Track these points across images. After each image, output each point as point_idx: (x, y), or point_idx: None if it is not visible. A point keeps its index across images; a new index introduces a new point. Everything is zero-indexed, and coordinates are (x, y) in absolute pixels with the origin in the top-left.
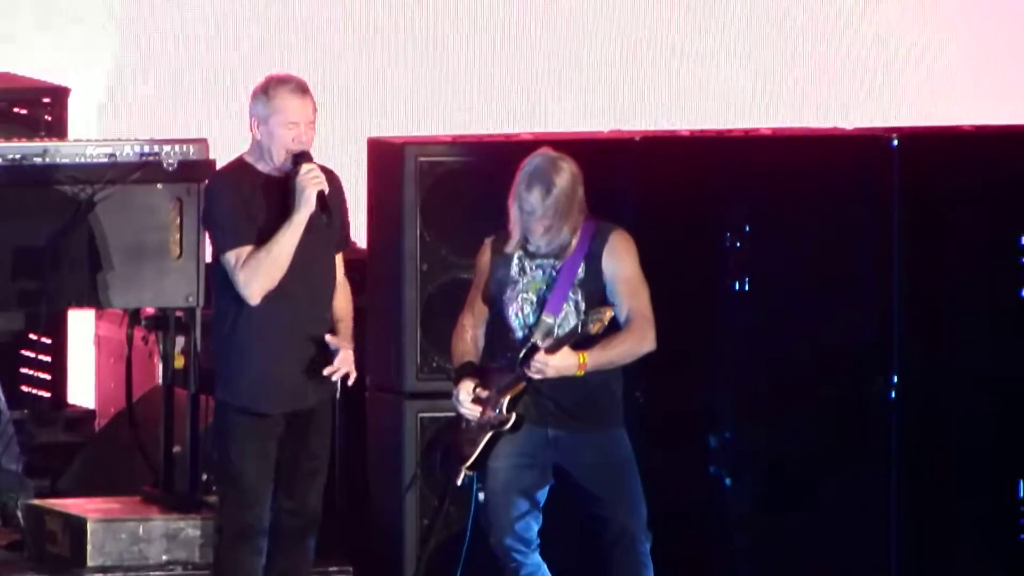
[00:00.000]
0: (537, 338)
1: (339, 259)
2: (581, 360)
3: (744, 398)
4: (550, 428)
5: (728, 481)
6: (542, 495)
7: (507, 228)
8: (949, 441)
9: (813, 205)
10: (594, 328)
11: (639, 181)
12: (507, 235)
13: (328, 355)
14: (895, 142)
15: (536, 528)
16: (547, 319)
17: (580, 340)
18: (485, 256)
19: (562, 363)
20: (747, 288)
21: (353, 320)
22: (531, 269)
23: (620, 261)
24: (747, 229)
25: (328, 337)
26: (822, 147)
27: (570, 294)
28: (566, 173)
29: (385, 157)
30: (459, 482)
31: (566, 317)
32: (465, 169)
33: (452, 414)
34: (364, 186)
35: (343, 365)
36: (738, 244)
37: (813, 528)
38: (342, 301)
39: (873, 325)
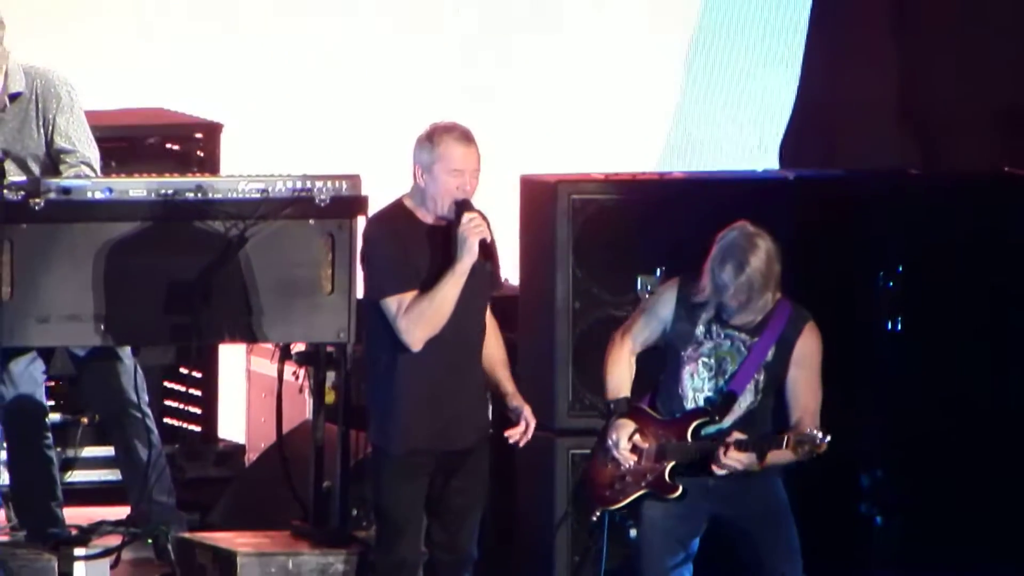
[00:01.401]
0: (719, 416)
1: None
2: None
3: (896, 436)
4: (710, 478)
5: (879, 520)
6: (695, 544)
7: (698, 280)
8: None
9: (965, 244)
10: (795, 452)
11: (793, 219)
12: (699, 287)
13: (486, 397)
14: None
15: None
16: (731, 396)
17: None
18: (670, 295)
19: (747, 461)
20: (899, 328)
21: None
22: (719, 336)
23: (810, 357)
24: (900, 269)
25: (518, 409)
26: (980, 189)
27: (754, 374)
28: (762, 252)
29: (538, 195)
30: (594, 519)
31: (744, 395)
32: (618, 207)
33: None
34: (516, 224)
35: (526, 435)
36: (891, 284)
37: (963, 571)
38: (497, 346)
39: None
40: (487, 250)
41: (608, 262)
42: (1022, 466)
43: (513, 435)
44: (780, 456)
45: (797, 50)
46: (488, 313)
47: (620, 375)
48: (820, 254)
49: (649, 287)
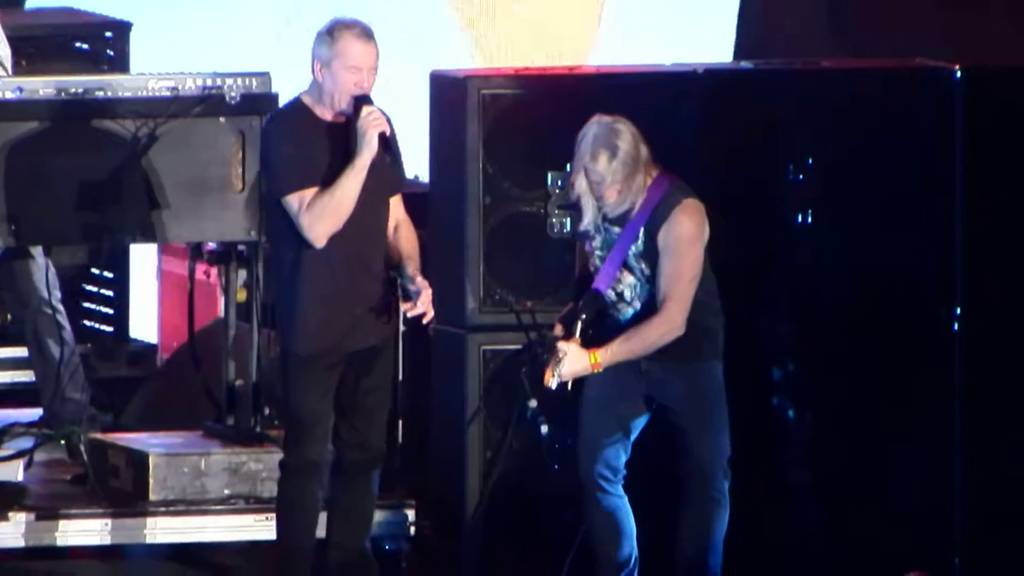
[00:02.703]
0: (587, 315)
1: (398, 199)
2: (594, 360)
3: (807, 330)
4: (643, 360)
5: (791, 414)
6: (635, 426)
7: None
8: (1013, 373)
9: (876, 137)
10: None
11: (702, 115)
12: (570, 187)
13: (391, 293)
14: (958, 74)
15: (624, 458)
16: (593, 295)
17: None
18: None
19: (576, 367)
20: (810, 221)
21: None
22: (602, 230)
23: (674, 242)
24: (810, 162)
25: (410, 282)
26: (886, 79)
27: (635, 264)
28: (627, 134)
29: (448, 91)
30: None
31: (635, 287)
32: (528, 102)
33: (515, 347)
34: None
35: (425, 306)
36: (801, 177)
37: (875, 462)
38: (408, 239)
39: (936, 257)
40: (387, 143)
41: (519, 157)
42: (933, 358)
43: (408, 308)
44: (621, 351)
45: None
46: (401, 208)
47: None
48: (729, 148)
49: (560, 182)
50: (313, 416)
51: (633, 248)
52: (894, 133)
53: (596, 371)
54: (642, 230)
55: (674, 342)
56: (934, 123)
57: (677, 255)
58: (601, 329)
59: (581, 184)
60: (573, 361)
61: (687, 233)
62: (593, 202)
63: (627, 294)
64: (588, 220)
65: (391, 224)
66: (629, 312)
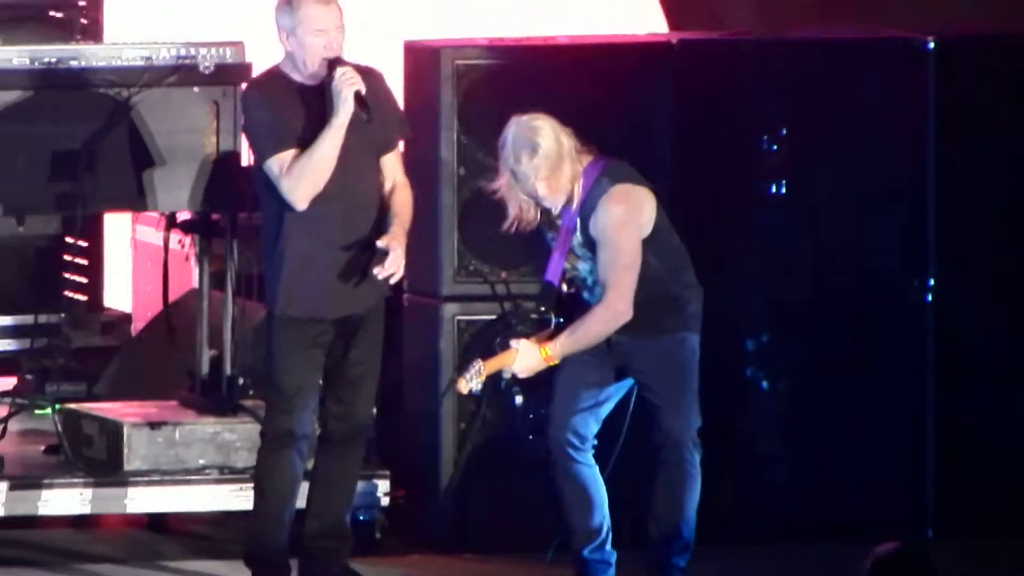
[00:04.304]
0: (545, 307)
1: (397, 158)
2: (544, 354)
3: (780, 302)
4: (612, 334)
5: (764, 385)
6: (606, 396)
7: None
8: (984, 345)
9: (849, 108)
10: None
11: (675, 84)
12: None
13: (379, 258)
14: (931, 44)
15: (595, 428)
16: (547, 286)
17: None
18: None
19: (528, 362)
20: (783, 191)
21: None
22: (550, 225)
23: (603, 232)
24: (783, 132)
25: (379, 241)
26: (858, 50)
27: (581, 252)
28: (546, 129)
29: (421, 61)
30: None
31: (591, 271)
32: (502, 72)
33: (489, 317)
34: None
35: (392, 266)
36: (774, 147)
37: (847, 432)
38: (401, 199)
39: (908, 228)
40: (362, 101)
41: (493, 127)
42: (905, 329)
43: (378, 270)
44: (569, 344)
45: None
46: (398, 169)
47: None
48: (703, 118)
49: None
50: (294, 384)
51: (574, 238)
52: (867, 103)
53: (551, 364)
54: (578, 220)
55: (639, 317)
56: (907, 93)
57: (609, 244)
58: (578, 312)
59: (503, 184)
60: (525, 357)
61: (614, 221)
62: (522, 201)
63: (588, 279)
64: (511, 219)
65: (387, 185)
66: (598, 291)
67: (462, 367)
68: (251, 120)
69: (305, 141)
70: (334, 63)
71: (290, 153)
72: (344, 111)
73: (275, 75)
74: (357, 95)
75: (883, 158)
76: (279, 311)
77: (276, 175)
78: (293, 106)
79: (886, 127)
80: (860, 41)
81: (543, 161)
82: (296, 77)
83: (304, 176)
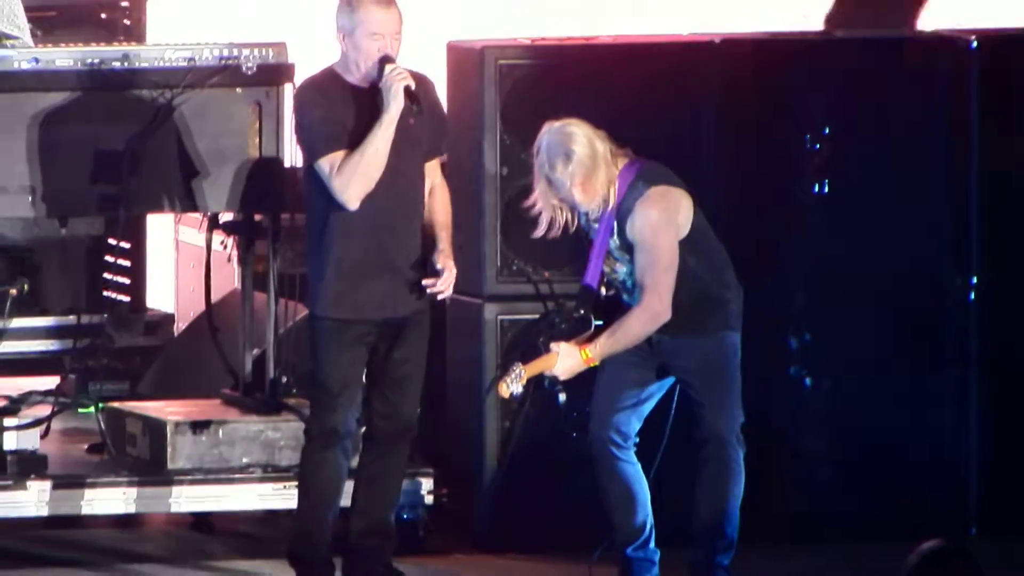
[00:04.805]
0: (584, 311)
1: (436, 163)
2: (585, 356)
3: (823, 300)
4: (655, 334)
5: (808, 383)
6: (647, 394)
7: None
8: None
9: (892, 107)
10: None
11: (719, 83)
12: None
13: (424, 262)
14: (974, 43)
15: (637, 426)
16: (585, 289)
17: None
18: None
19: (569, 365)
20: (826, 191)
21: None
22: (589, 228)
23: (639, 233)
24: (826, 131)
25: (437, 262)
26: (901, 49)
27: (619, 255)
28: (580, 136)
29: (465, 62)
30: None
31: (630, 272)
32: (545, 72)
33: (532, 317)
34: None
35: (443, 285)
36: (817, 146)
37: (891, 430)
38: (443, 204)
39: (952, 227)
40: (413, 95)
41: (536, 128)
42: (950, 327)
43: (430, 284)
44: (608, 345)
45: None
46: (437, 172)
47: None
48: (747, 117)
49: None
50: (338, 383)
51: (612, 241)
52: (910, 102)
53: (591, 365)
54: (615, 224)
55: (680, 316)
56: (950, 92)
57: (646, 246)
58: (618, 314)
59: (539, 192)
60: (566, 360)
61: (651, 223)
62: (559, 206)
63: (627, 282)
64: (544, 225)
65: (426, 187)
66: (637, 293)
67: (503, 371)
68: (303, 119)
69: (356, 142)
70: (384, 60)
71: (341, 153)
72: (395, 105)
73: (329, 75)
74: (407, 89)
75: (926, 156)
76: (324, 312)
77: (327, 175)
78: (346, 107)
79: (929, 125)
80: (904, 40)
81: (578, 168)
82: (349, 79)
83: (356, 174)
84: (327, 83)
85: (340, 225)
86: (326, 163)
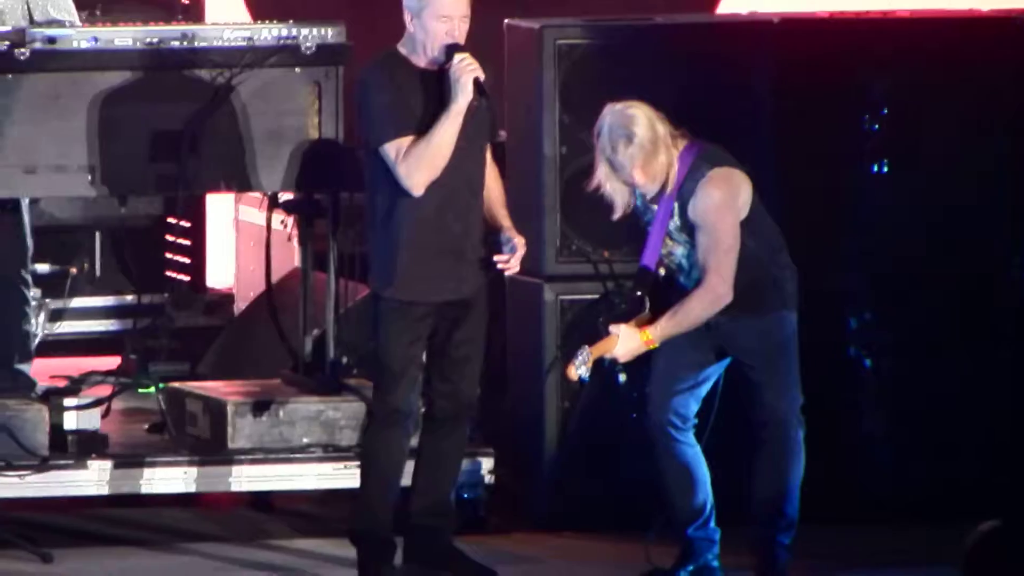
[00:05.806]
0: (641, 292)
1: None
2: (645, 338)
3: (882, 280)
4: (712, 316)
5: (868, 363)
6: (705, 376)
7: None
8: None
9: (950, 86)
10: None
11: (777, 63)
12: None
13: (485, 244)
14: None
15: (695, 408)
16: (642, 271)
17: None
18: None
19: (630, 347)
20: (884, 170)
21: None
22: (647, 210)
23: (702, 215)
24: (885, 111)
25: (506, 233)
26: (960, 28)
27: (678, 237)
28: (641, 118)
29: (523, 41)
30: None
31: (688, 255)
32: (603, 52)
33: (592, 297)
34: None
35: (516, 261)
36: (876, 127)
37: (951, 410)
38: (498, 183)
39: (1011, 206)
40: (481, 88)
41: (594, 107)
42: (1007, 307)
43: (501, 260)
44: (669, 327)
45: None
46: (489, 157)
47: None
48: (804, 97)
49: None
50: (400, 364)
51: (671, 223)
52: (969, 82)
53: (651, 347)
54: (675, 205)
55: (739, 297)
56: (1009, 72)
57: (708, 227)
58: (673, 297)
59: (602, 174)
60: (626, 342)
61: (714, 204)
62: (621, 188)
63: (684, 263)
64: (619, 208)
65: None
66: (695, 275)
67: (569, 354)
68: (370, 102)
69: (423, 126)
70: (452, 48)
71: (408, 139)
72: (463, 97)
73: (394, 58)
74: (476, 82)
75: (985, 135)
76: (388, 293)
77: (392, 160)
78: (412, 91)
79: (987, 104)
80: (963, 18)
81: (639, 150)
82: (415, 60)
83: (422, 162)
84: (394, 66)
85: (406, 207)
86: (392, 149)
